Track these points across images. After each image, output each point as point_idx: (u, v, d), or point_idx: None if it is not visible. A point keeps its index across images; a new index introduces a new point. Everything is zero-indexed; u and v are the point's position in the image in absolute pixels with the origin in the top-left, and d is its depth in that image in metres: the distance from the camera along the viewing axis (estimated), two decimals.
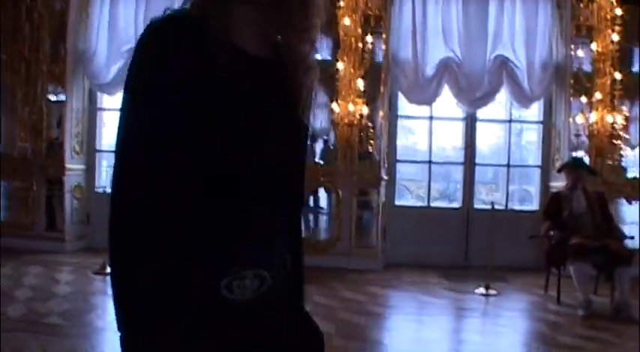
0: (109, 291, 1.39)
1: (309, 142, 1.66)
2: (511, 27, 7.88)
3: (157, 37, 1.37)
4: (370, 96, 7.88)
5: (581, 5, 7.70)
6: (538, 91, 7.92)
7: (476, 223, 7.95)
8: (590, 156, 7.70)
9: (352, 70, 7.79)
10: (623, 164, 7.82)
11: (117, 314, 1.37)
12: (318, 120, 7.89)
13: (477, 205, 8.23)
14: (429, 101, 8.09)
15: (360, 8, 7.78)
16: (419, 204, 8.60)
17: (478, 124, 8.39)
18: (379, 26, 7.87)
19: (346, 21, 7.72)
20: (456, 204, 8.47)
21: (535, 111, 8.36)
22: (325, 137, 8.25)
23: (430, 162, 8.41)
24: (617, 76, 7.61)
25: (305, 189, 1.65)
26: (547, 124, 8.19)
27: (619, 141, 7.70)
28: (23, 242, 7.97)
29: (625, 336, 5.55)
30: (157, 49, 1.36)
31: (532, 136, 8.77)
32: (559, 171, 7.20)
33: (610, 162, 7.71)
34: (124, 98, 1.39)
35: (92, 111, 8.46)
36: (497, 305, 6.67)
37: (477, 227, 7.89)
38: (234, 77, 1.37)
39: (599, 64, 7.65)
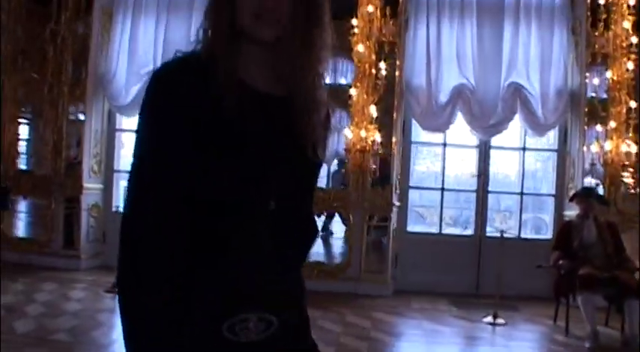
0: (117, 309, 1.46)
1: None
2: (526, 54, 7.86)
3: (165, 79, 1.48)
4: (383, 123, 7.93)
5: (597, 33, 7.67)
6: (552, 119, 7.86)
7: (488, 251, 7.88)
8: (604, 185, 7.61)
9: (365, 96, 7.83)
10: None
11: (123, 330, 1.44)
12: (332, 145, 7.95)
13: (490, 233, 8.16)
14: (442, 128, 8.09)
15: (374, 35, 7.84)
16: (431, 230, 8.56)
17: (492, 152, 8.36)
18: (393, 53, 7.91)
19: (360, 47, 7.78)
20: (470, 231, 8.42)
21: (550, 139, 8.29)
22: (337, 162, 8.30)
23: (443, 189, 8.39)
24: (633, 104, 7.52)
25: (316, 214, 1.68)
26: (562, 152, 8.12)
27: (634, 170, 7.59)
28: (40, 258, 8.21)
29: None
30: (165, 90, 1.46)
31: (547, 164, 8.69)
32: (570, 200, 7.12)
33: (624, 192, 7.60)
34: (136, 131, 1.49)
35: (111, 132, 8.66)
36: (504, 335, 6.59)
37: (489, 255, 7.81)
38: (242, 115, 1.43)
39: (614, 92, 7.58)
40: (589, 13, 7.69)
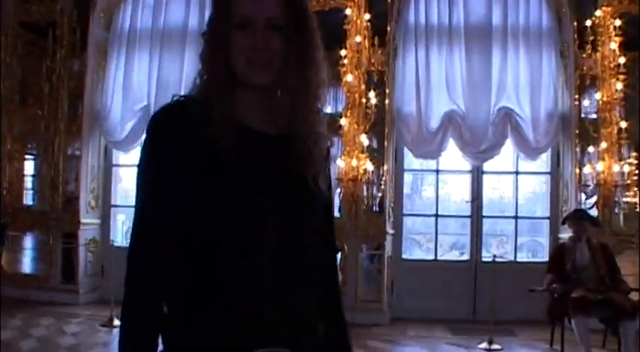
0: (112, 343, 1.56)
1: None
2: (515, 78, 7.88)
3: (161, 123, 1.53)
4: (374, 151, 7.96)
5: (584, 55, 7.69)
6: (544, 142, 7.86)
7: (484, 276, 7.82)
8: (597, 207, 7.55)
9: (356, 126, 7.88)
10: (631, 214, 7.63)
11: None
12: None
13: (486, 258, 8.11)
14: (434, 155, 8.11)
15: (363, 65, 7.92)
16: (427, 257, 8.52)
17: (485, 177, 8.35)
18: (382, 81, 7.97)
19: (349, 77, 7.86)
20: (465, 257, 8.37)
21: (542, 162, 8.27)
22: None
23: (437, 215, 8.38)
24: (623, 124, 7.51)
25: None
26: (555, 175, 8.10)
27: (627, 191, 7.54)
28: (39, 293, 8.27)
29: None
30: (161, 133, 1.52)
31: (540, 187, 8.65)
32: (562, 222, 7.08)
33: (618, 212, 7.53)
34: (137, 173, 1.55)
35: (107, 167, 8.79)
36: None
37: (484, 280, 7.75)
38: (238, 157, 1.47)
39: (604, 113, 7.57)
40: (576, 36, 7.71)
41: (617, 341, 6.21)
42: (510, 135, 7.85)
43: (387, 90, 7.95)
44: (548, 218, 8.18)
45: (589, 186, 7.70)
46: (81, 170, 8.42)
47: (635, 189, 7.55)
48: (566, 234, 7.38)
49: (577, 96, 7.73)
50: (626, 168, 7.49)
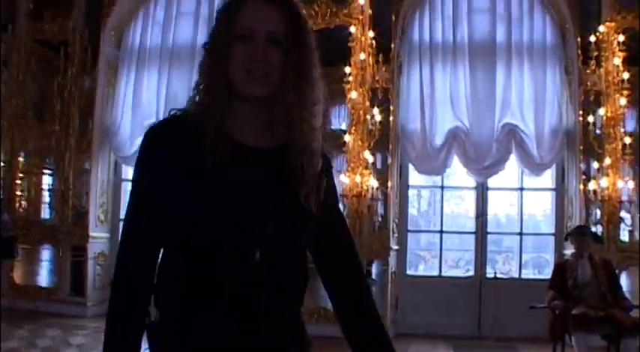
0: None
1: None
2: (519, 94, 7.90)
3: (155, 136, 1.57)
4: (379, 168, 7.99)
5: (588, 71, 7.68)
6: (548, 158, 7.84)
7: (488, 292, 7.78)
8: (602, 223, 7.49)
9: (360, 142, 7.93)
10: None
11: None
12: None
13: (490, 274, 8.07)
14: (438, 171, 8.14)
15: (367, 82, 7.98)
16: (431, 273, 8.51)
17: (490, 193, 8.34)
18: (387, 98, 8.03)
19: (353, 94, 7.92)
20: (471, 273, 8.34)
21: (547, 178, 8.24)
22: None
23: (442, 231, 8.38)
24: (627, 140, 7.46)
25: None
26: (559, 191, 8.06)
27: (631, 207, 7.47)
28: (48, 305, 8.42)
29: None
30: (154, 145, 1.56)
31: (545, 204, 8.60)
32: (565, 239, 7.04)
33: (622, 229, 7.47)
34: (131, 183, 1.62)
35: (117, 182, 8.94)
36: None
37: (489, 296, 7.72)
38: (231, 168, 1.51)
39: (608, 128, 7.53)
40: (580, 52, 7.71)
41: None
42: (514, 151, 7.85)
43: (392, 107, 8.00)
44: (553, 234, 8.13)
45: (593, 202, 7.62)
46: (91, 184, 8.59)
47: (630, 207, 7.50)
48: (571, 251, 7.33)
49: (581, 112, 7.71)
50: (631, 184, 7.42)
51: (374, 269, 8.32)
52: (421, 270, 8.72)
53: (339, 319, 1.73)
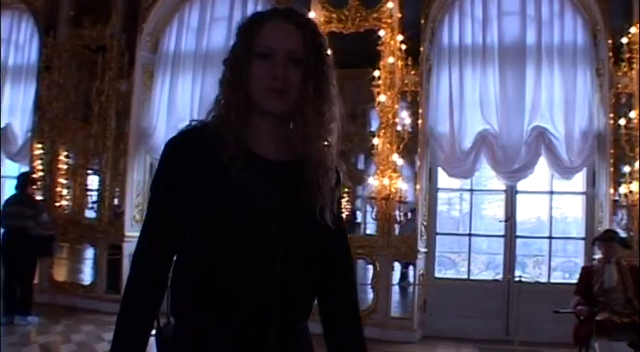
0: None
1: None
2: (549, 97, 7.82)
3: (174, 148, 1.63)
4: (408, 171, 8.03)
5: (619, 73, 7.56)
6: (578, 162, 7.73)
7: (516, 296, 7.73)
8: (631, 228, 7.36)
9: (389, 145, 7.97)
10: None
11: None
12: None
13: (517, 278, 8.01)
14: (467, 174, 8.12)
15: (396, 85, 8.02)
16: (459, 276, 8.50)
17: (519, 196, 8.27)
18: (415, 101, 8.06)
19: (382, 98, 7.98)
20: (500, 277, 8.30)
21: (578, 181, 8.14)
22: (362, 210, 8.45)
23: (470, 234, 8.36)
24: None
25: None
26: (590, 195, 7.96)
27: None
28: (86, 302, 8.73)
29: None
30: (174, 154, 1.62)
31: (576, 208, 8.50)
32: (592, 243, 6.95)
33: None
34: (150, 193, 1.71)
35: None
36: None
37: (517, 300, 7.66)
38: (248, 180, 1.55)
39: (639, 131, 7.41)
40: (611, 54, 7.59)
41: None
42: (544, 155, 7.78)
43: (421, 110, 8.02)
44: (583, 238, 8.03)
45: (623, 206, 7.50)
46: (127, 185, 8.85)
47: None
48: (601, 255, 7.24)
49: (612, 115, 7.60)
50: None
51: (410, 273, 8.39)
52: (450, 273, 8.71)
53: (322, 322, 1.79)
